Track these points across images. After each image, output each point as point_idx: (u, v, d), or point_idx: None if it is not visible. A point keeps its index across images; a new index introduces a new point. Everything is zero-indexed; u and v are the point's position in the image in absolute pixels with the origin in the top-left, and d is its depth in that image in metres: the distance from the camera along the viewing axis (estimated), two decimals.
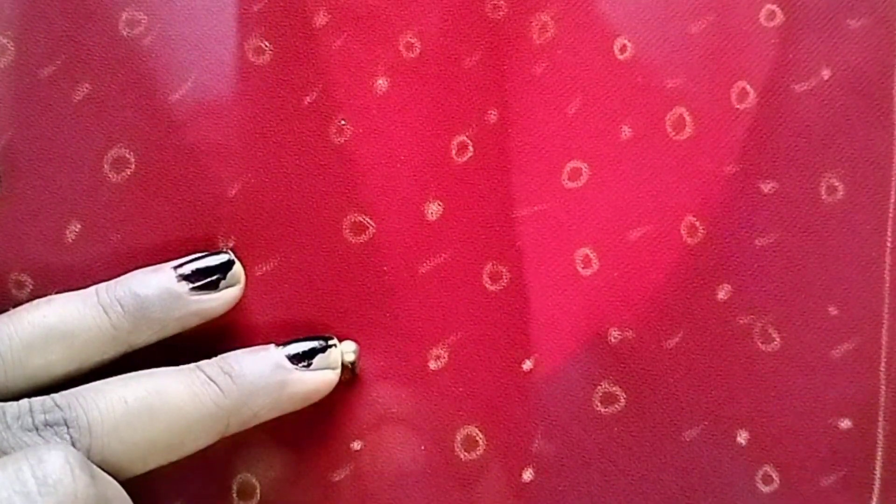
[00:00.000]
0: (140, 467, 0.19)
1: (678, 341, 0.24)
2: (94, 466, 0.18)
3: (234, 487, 0.23)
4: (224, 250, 0.22)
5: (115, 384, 0.20)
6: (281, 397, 0.21)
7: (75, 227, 0.22)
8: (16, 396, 0.19)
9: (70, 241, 0.22)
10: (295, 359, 0.21)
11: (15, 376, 0.19)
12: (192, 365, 0.21)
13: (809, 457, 0.24)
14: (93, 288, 0.21)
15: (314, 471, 0.23)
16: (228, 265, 0.21)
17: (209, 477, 0.22)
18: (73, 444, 0.18)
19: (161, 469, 0.20)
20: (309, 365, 0.21)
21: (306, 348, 0.21)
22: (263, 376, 0.21)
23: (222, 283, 0.21)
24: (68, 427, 0.19)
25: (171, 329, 0.21)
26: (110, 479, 0.19)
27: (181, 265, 0.21)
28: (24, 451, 0.17)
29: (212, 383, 0.20)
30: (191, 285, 0.21)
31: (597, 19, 0.24)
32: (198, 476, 0.22)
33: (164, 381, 0.20)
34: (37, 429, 0.19)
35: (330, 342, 0.22)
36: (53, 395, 0.19)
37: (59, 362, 0.20)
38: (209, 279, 0.21)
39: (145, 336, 0.20)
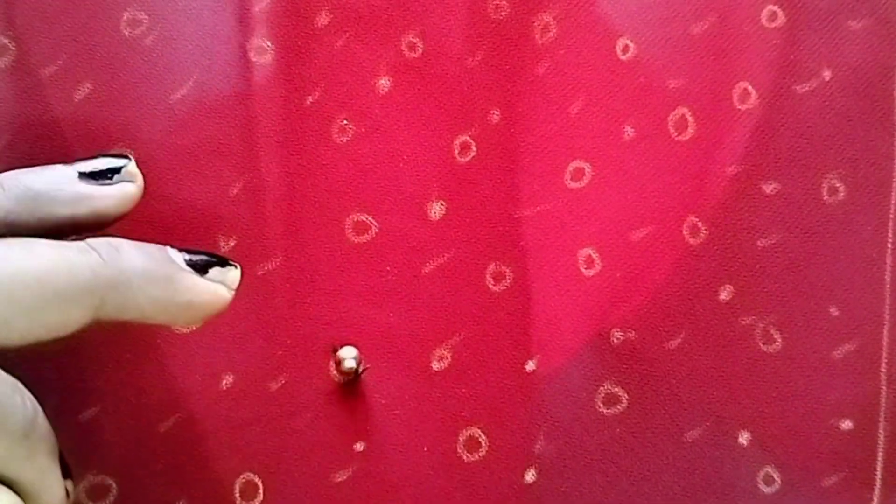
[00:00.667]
0: (10, 338, 0.18)
1: (680, 342, 0.24)
2: None
3: (237, 487, 0.23)
4: (124, 152, 0.21)
5: None
6: (167, 293, 0.19)
7: None
8: None
9: (69, 239, 0.22)
10: (191, 264, 0.20)
11: None
12: (78, 238, 0.19)
13: (811, 457, 0.24)
14: None
15: (317, 471, 0.23)
16: (126, 165, 0.20)
17: (212, 477, 0.22)
18: None
19: (163, 468, 0.20)
20: (204, 273, 0.20)
21: (206, 257, 0.20)
22: (153, 262, 0.19)
23: (116, 176, 0.20)
24: None
25: (61, 220, 0.19)
26: None
27: (78, 161, 0.20)
28: None
29: (92, 251, 0.18)
30: (80, 170, 0.20)
31: (599, 20, 0.24)
32: (201, 476, 0.22)
33: (37, 246, 0.18)
34: None
35: (231, 262, 0.20)
36: None
37: None
38: (101, 168, 0.20)
39: (30, 223, 0.19)
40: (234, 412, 0.22)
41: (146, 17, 0.22)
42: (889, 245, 0.25)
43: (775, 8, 0.24)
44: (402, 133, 0.23)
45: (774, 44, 0.24)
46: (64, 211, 0.19)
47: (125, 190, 0.20)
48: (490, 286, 0.24)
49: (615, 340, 0.24)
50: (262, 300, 0.23)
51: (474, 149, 0.24)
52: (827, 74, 0.25)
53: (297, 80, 0.23)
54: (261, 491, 0.23)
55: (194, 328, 0.22)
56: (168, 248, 0.20)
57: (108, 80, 0.22)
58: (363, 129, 0.23)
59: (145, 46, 0.22)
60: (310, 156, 0.23)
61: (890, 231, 0.25)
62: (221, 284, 0.20)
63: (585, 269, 0.24)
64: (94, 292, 0.18)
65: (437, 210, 0.23)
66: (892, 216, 0.25)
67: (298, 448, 0.23)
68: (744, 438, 0.24)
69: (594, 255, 0.24)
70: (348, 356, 0.23)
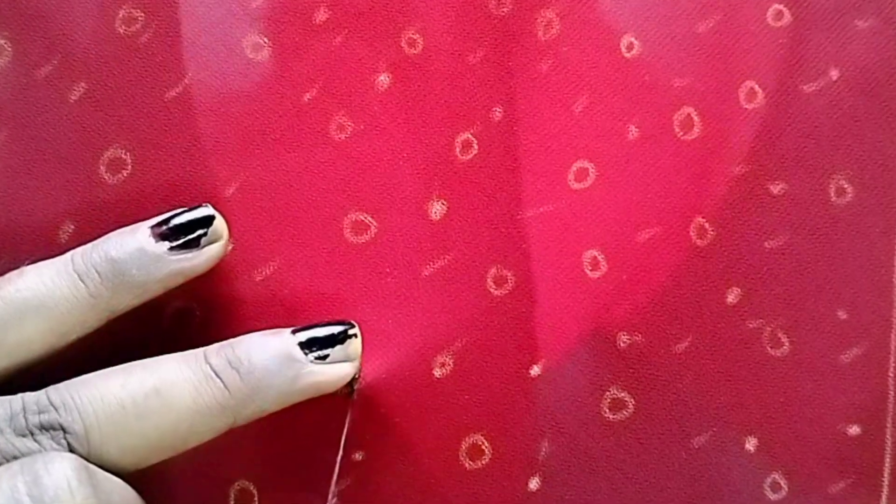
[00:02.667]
0: (143, 464, 0.19)
1: (687, 346, 0.24)
2: (98, 472, 0.18)
3: (232, 495, 0.22)
4: (204, 204, 0.21)
5: (112, 379, 0.19)
6: (291, 392, 0.20)
7: (68, 227, 0.22)
8: (1, 376, 0.19)
9: (63, 241, 0.22)
10: (310, 347, 0.20)
11: None
12: (198, 352, 0.20)
13: (818, 463, 0.24)
14: (68, 255, 0.20)
15: (314, 480, 0.23)
16: (209, 219, 0.20)
17: (207, 484, 0.22)
18: (71, 450, 0.18)
19: (158, 476, 0.20)
20: (325, 357, 0.20)
21: (324, 336, 0.20)
22: (274, 372, 0.19)
23: (203, 239, 0.20)
24: (65, 432, 0.18)
25: (154, 291, 0.20)
26: (115, 480, 0.18)
27: (159, 223, 0.20)
28: (19, 463, 0.17)
29: (217, 379, 0.19)
30: (170, 244, 0.20)
31: (603, 16, 0.24)
32: (196, 484, 0.22)
33: (165, 377, 0.19)
34: (31, 434, 0.18)
35: (350, 331, 0.21)
36: (48, 391, 0.19)
37: (38, 336, 0.19)
38: (189, 237, 0.20)
39: (126, 300, 0.20)
40: None
41: (141, 14, 0.22)
42: None
43: (781, 7, 0.24)
44: (402, 131, 0.23)
45: (781, 43, 0.24)
46: (157, 285, 0.20)
47: (214, 251, 0.20)
48: (491, 291, 0.23)
49: (621, 344, 0.24)
50: (260, 304, 0.22)
51: (476, 147, 0.23)
52: (834, 74, 0.24)
53: (295, 76, 0.23)
54: (255, 498, 0.22)
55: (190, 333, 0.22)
56: (286, 333, 0.20)
57: (104, 79, 0.22)
58: (362, 127, 0.23)
59: (140, 44, 0.22)
60: (307, 154, 0.23)
61: None
62: (345, 362, 0.20)
63: (590, 271, 0.24)
64: (223, 417, 0.19)
65: (437, 210, 0.23)
66: None
67: (295, 456, 0.23)
68: (751, 444, 0.24)
69: (599, 257, 0.24)
70: None
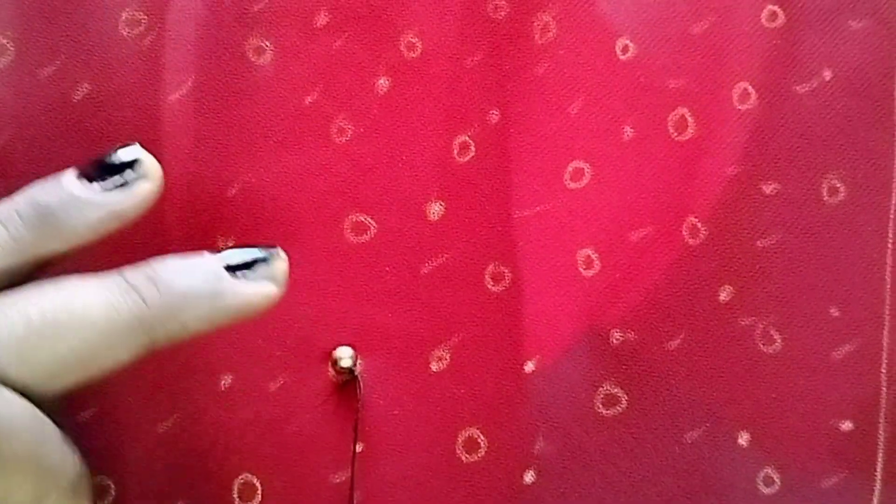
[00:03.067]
0: (53, 385, 0.18)
1: (679, 343, 0.24)
2: None
3: (236, 488, 0.23)
4: (131, 143, 0.19)
5: (21, 296, 0.18)
6: (213, 309, 0.19)
7: None
8: None
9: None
10: (233, 269, 0.19)
11: None
12: (115, 271, 0.19)
13: (810, 458, 0.24)
14: None
15: (315, 473, 0.23)
16: (137, 159, 0.19)
17: (210, 478, 0.22)
18: None
19: (162, 468, 0.20)
20: (247, 274, 0.19)
21: (246, 258, 0.19)
22: (194, 286, 0.18)
23: (131, 175, 0.19)
24: None
25: (82, 235, 0.19)
26: (11, 396, 0.17)
27: (84, 164, 0.19)
28: None
29: (132, 291, 0.18)
30: (96, 185, 0.19)
31: (598, 19, 0.24)
32: (199, 477, 0.22)
33: (76, 291, 0.18)
34: None
35: (274, 252, 0.20)
36: None
37: None
38: (116, 176, 0.19)
39: (53, 245, 0.18)
40: (233, 412, 0.22)
41: (145, 16, 0.22)
42: (889, 245, 0.25)
43: (775, 8, 0.24)
44: (401, 133, 0.23)
45: (774, 44, 0.24)
46: (83, 226, 0.19)
47: (145, 191, 0.19)
48: (489, 287, 0.24)
49: (614, 341, 0.24)
50: None
51: (473, 149, 0.24)
52: (827, 74, 0.24)
53: (296, 79, 0.23)
54: (259, 491, 0.23)
55: None
56: (206, 255, 0.19)
57: (107, 80, 0.22)
58: (362, 129, 0.23)
59: (144, 46, 0.22)
60: (309, 156, 0.23)
61: (890, 231, 0.25)
62: (268, 281, 0.19)
63: (584, 269, 0.24)
64: (140, 333, 0.18)
65: (435, 210, 0.23)
66: (892, 216, 0.25)
67: (297, 449, 0.23)
68: (743, 439, 0.24)
69: (593, 256, 0.24)
70: (344, 355, 0.23)
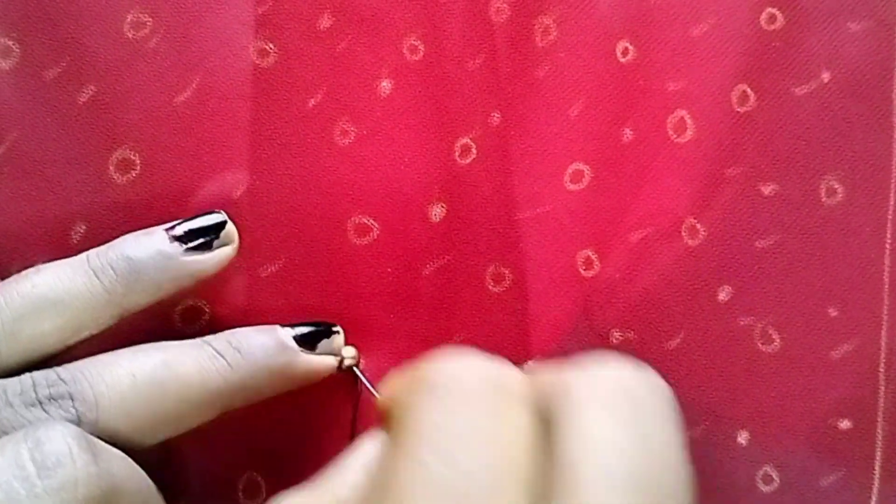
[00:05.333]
0: (149, 440, 0.19)
1: (679, 342, 0.24)
2: (99, 442, 0.18)
3: (241, 486, 0.23)
4: (217, 210, 0.22)
5: (122, 356, 0.19)
6: (285, 377, 0.21)
7: (80, 228, 0.22)
8: (13, 372, 0.19)
9: (75, 241, 0.22)
10: (300, 341, 0.21)
11: (10, 348, 0.19)
12: (200, 339, 0.20)
13: (809, 457, 0.24)
14: (83, 254, 0.20)
15: (319, 471, 0.23)
16: (221, 225, 0.21)
17: (216, 476, 0.23)
18: (79, 419, 0.18)
19: (169, 468, 0.20)
20: (313, 348, 0.21)
21: (312, 332, 0.22)
22: (271, 355, 0.21)
23: (215, 242, 0.21)
24: (73, 401, 0.18)
25: (166, 291, 0.20)
26: (116, 452, 0.18)
27: (173, 226, 0.21)
28: (23, 430, 0.17)
29: (220, 358, 0.20)
30: (184, 246, 0.21)
31: (599, 22, 0.24)
32: (204, 474, 0.22)
33: (172, 355, 0.19)
34: (40, 403, 0.18)
35: (334, 329, 0.22)
36: (57, 368, 0.19)
37: (53, 331, 0.19)
38: (202, 239, 0.21)
39: (139, 299, 0.20)
40: (238, 411, 0.22)
41: (150, 19, 0.22)
42: (887, 246, 0.25)
43: (774, 10, 0.24)
44: (404, 135, 0.23)
45: (773, 46, 0.24)
46: (170, 284, 0.20)
47: (224, 254, 0.21)
48: (490, 287, 0.24)
49: (614, 340, 0.24)
50: (265, 301, 0.23)
51: (475, 151, 0.24)
52: (826, 76, 0.25)
53: (300, 82, 0.23)
54: (264, 490, 0.23)
55: (198, 328, 0.23)
56: (279, 329, 0.21)
57: (112, 82, 0.22)
58: (365, 132, 0.23)
59: (149, 49, 0.22)
60: (312, 158, 0.23)
61: (888, 232, 0.25)
62: (330, 355, 0.22)
63: (584, 270, 0.24)
64: (224, 398, 0.20)
65: (437, 212, 0.23)
66: (890, 217, 0.25)
67: (302, 447, 0.23)
68: (743, 438, 0.24)
69: (593, 257, 0.24)
70: (347, 355, 0.23)
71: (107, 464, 0.17)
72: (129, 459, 0.18)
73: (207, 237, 0.21)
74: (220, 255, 0.21)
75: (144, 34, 0.22)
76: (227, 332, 0.21)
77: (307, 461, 0.23)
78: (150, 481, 0.19)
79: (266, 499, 0.23)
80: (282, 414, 0.23)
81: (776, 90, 0.24)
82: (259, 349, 0.20)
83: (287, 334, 0.21)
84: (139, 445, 0.19)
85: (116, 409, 0.18)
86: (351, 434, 0.23)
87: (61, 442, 0.17)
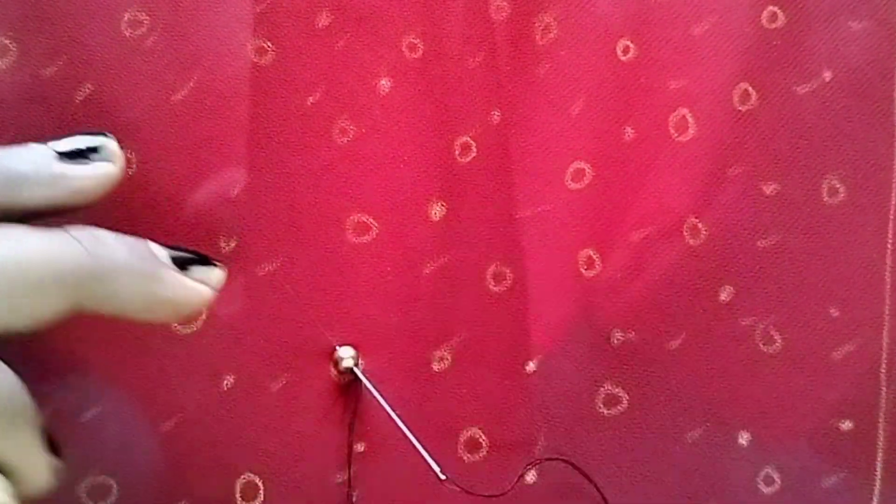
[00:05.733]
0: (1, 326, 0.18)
1: (680, 343, 0.24)
2: None
3: (238, 488, 0.23)
4: (103, 132, 0.20)
5: None
6: (148, 288, 0.19)
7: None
8: None
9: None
10: (175, 260, 0.20)
11: None
12: (60, 227, 0.19)
13: (811, 457, 0.24)
14: None
15: (317, 472, 0.23)
16: (104, 142, 0.20)
17: (213, 477, 0.22)
18: None
19: (164, 468, 0.20)
20: (187, 270, 0.20)
21: (189, 254, 0.20)
22: (136, 256, 0.19)
23: (94, 156, 0.19)
24: None
25: (39, 202, 0.19)
26: None
27: (53, 141, 0.19)
28: None
29: (76, 242, 0.18)
30: (59, 151, 0.19)
31: (599, 20, 0.24)
32: (201, 476, 0.22)
33: (20, 233, 0.18)
34: None
35: (214, 262, 0.20)
36: None
37: None
38: (80, 148, 0.20)
39: (6, 204, 0.19)
40: (235, 412, 0.22)
41: (147, 17, 0.22)
42: (889, 246, 0.25)
43: (775, 9, 0.24)
44: (403, 134, 0.23)
45: (775, 45, 0.24)
46: (42, 192, 0.19)
47: (105, 170, 0.20)
48: (490, 287, 0.24)
49: (615, 341, 0.24)
50: (263, 301, 0.23)
51: (475, 150, 0.24)
52: (827, 75, 0.25)
53: (298, 80, 0.23)
54: (261, 491, 0.23)
55: (195, 328, 0.23)
56: (150, 242, 0.20)
57: (109, 80, 0.22)
58: (364, 130, 0.23)
59: (146, 47, 0.22)
60: (311, 156, 0.23)
61: (890, 232, 0.25)
62: (203, 283, 0.20)
63: (585, 269, 0.24)
64: (75, 282, 0.18)
65: (437, 211, 0.23)
66: (892, 217, 0.25)
67: (299, 448, 0.23)
68: (744, 439, 0.24)
69: (594, 256, 0.24)
70: (346, 355, 0.23)
71: None
72: None
73: (84, 146, 0.20)
74: (100, 169, 0.19)
75: (142, 32, 0.22)
76: (94, 227, 0.19)
77: (306, 462, 0.23)
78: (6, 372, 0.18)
79: (264, 500, 0.23)
80: (280, 415, 0.23)
81: (777, 89, 0.24)
82: (124, 246, 0.19)
83: (159, 246, 0.19)
84: None
85: None
86: (350, 435, 0.23)
87: None
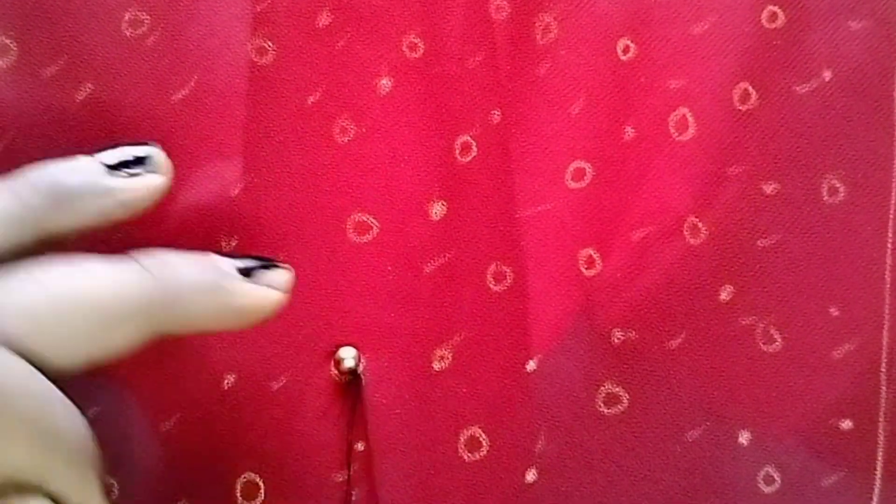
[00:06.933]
0: (68, 360, 0.18)
1: (681, 342, 0.24)
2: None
3: (239, 487, 0.23)
4: (149, 142, 0.20)
5: (37, 267, 0.18)
6: (219, 302, 0.19)
7: None
8: None
9: (72, 240, 0.22)
10: (239, 270, 0.20)
11: None
12: (126, 255, 0.19)
13: (810, 457, 0.24)
14: (10, 176, 0.19)
15: (317, 472, 0.23)
16: (152, 153, 0.20)
17: (213, 477, 0.22)
18: None
19: (164, 467, 0.20)
20: (252, 277, 0.20)
21: (253, 261, 0.20)
22: (202, 274, 0.19)
23: (144, 168, 0.20)
24: None
25: (91, 216, 0.19)
26: (14, 358, 0.17)
27: (100, 151, 0.20)
28: None
29: (145, 271, 0.19)
30: (108, 164, 0.19)
31: (600, 20, 0.24)
32: (202, 476, 0.22)
33: (90, 266, 0.18)
34: None
35: (280, 264, 0.20)
36: None
37: None
38: (128, 159, 0.20)
39: (61, 221, 0.19)
40: (236, 412, 0.22)
41: (148, 17, 0.22)
42: (889, 245, 0.25)
43: (775, 8, 0.24)
44: (404, 133, 0.23)
45: (775, 44, 0.24)
46: (93, 206, 0.19)
47: (154, 182, 0.20)
48: (491, 286, 0.24)
49: (616, 340, 0.24)
50: None
51: (475, 149, 0.24)
52: (827, 75, 0.25)
53: (299, 80, 0.23)
54: (262, 491, 0.23)
55: None
56: (214, 255, 0.20)
57: (110, 80, 0.22)
58: (364, 129, 0.23)
59: (147, 47, 0.22)
60: (311, 156, 0.23)
61: (890, 231, 0.25)
62: (272, 287, 0.20)
63: (586, 269, 0.24)
64: (149, 312, 0.18)
65: (438, 210, 0.23)
66: (892, 216, 0.25)
67: (299, 448, 0.23)
68: (744, 438, 0.24)
69: (595, 255, 0.24)
70: (347, 356, 0.23)
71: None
72: (27, 364, 0.17)
73: (136, 164, 0.20)
74: (150, 181, 0.20)
75: (142, 32, 0.22)
76: (157, 251, 0.19)
77: (306, 461, 0.23)
78: (57, 392, 0.18)
79: (264, 500, 0.23)
80: (281, 414, 0.23)
81: (777, 88, 0.24)
82: (190, 268, 0.19)
83: (223, 259, 0.20)
84: (59, 366, 0.18)
85: (27, 323, 0.17)
86: (350, 434, 0.23)
87: None
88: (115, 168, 0.20)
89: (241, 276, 0.20)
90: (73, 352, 0.18)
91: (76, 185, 0.19)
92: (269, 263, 0.20)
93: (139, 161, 0.20)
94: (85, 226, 0.19)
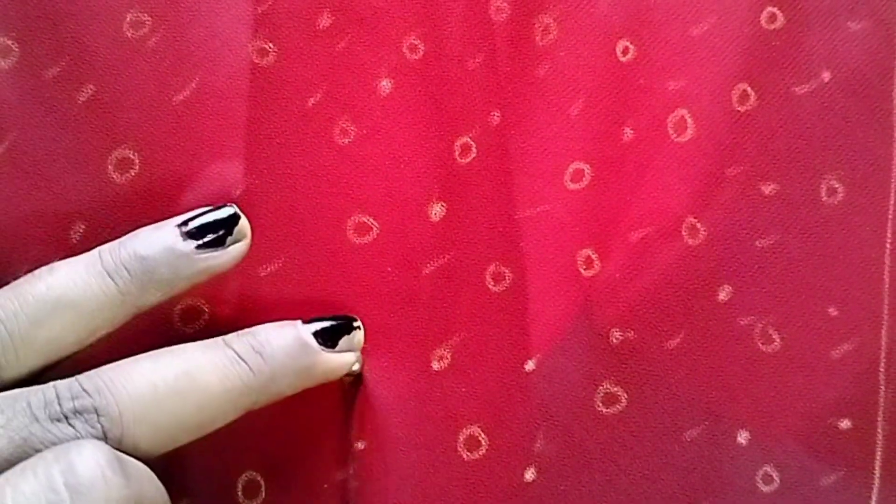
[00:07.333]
0: (170, 446, 0.19)
1: (679, 342, 0.24)
2: (128, 461, 0.18)
3: (240, 486, 0.23)
4: (228, 204, 0.21)
5: (143, 365, 0.19)
6: (308, 376, 0.21)
7: (79, 227, 0.22)
8: (31, 373, 0.19)
9: (75, 241, 0.22)
10: (321, 337, 0.21)
11: (26, 353, 0.19)
12: (220, 340, 0.20)
13: (809, 457, 0.24)
14: (96, 251, 0.20)
15: (318, 470, 0.23)
16: (234, 219, 0.21)
17: (215, 475, 0.23)
18: (105, 435, 0.18)
19: (168, 467, 0.20)
20: (334, 345, 0.21)
21: (333, 327, 0.22)
22: (293, 356, 0.21)
23: (228, 238, 0.21)
24: (98, 415, 0.18)
25: (180, 288, 0.20)
26: (144, 469, 0.18)
27: (185, 222, 0.21)
28: (53, 451, 0.17)
29: (242, 362, 0.20)
30: (196, 242, 0.20)
31: (599, 21, 0.24)
32: (204, 475, 0.22)
33: (192, 361, 0.19)
34: (66, 418, 0.18)
35: (354, 324, 0.22)
36: (79, 378, 0.19)
37: (69, 334, 0.19)
38: (215, 235, 0.21)
39: (153, 297, 0.20)
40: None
41: (149, 18, 0.22)
42: (887, 245, 0.25)
43: (774, 9, 0.24)
44: (404, 135, 0.23)
45: (774, 45, 0.24)
46: (185, 283, 0.20)
47: (238, 251, 0.21)
48: (490, 287, 0.24)
49: (614, 340, 0.24)
50: (265, 301, 0.23)
51: (475, 150, 0.24)
52: (826, 76, 0.25)
53: (299, 81, 0.23)
54: (263, 489, 0.23)
55: (197, 327, 0.23)
56: (300, 326, 0.21)
57: (111, 81, 0.22)
58: (364, 131, 0.23)
59: (148, 48, 0.22)
60: (312, 157, 0.23)
61: (888, 231, 0.25)
62: (350, 351, 0.22)
63: (584, 269, 0.24)
64: (246, 403, 0.20)
65: (437, 211, 0.24)
66: (890, 217, 0.25)
67: (300, 447, 0.23)
68: (743, 438, 0.24)
69: (593, 256, 0.24)
70: None
71: (137, 484, 0.18)
72: (152, 474, 0.19)
73: (220, 232, 0.21)
74: (234, 251, 0.21)
75: (144, 33, 0.22)
76: (248, 333, 0.21)
77: (306, 461, 0.23)
78: (164, 490, 0.19)
79: (266, 499, 0.23)
80: (281, 413, 0.23)
81: (776, 89, 0.24)
82: (281, 351, 0.20)
83: (308, 332, 0.21)
84: (160, 452, 0.19)
85: (139, 421, 0.19)
86: (349, 434, 0.23)
87: (93, 465, 0.17)
88: (200, 238, 0.20)
89: (321, 348, 0.21)
90: (177, 441, 0.19)
91: (167, 269, 0.20)
92: (347, 325, 0.22)
93: (222, 224, 0.21)
94: (173, 295, 0.20)
